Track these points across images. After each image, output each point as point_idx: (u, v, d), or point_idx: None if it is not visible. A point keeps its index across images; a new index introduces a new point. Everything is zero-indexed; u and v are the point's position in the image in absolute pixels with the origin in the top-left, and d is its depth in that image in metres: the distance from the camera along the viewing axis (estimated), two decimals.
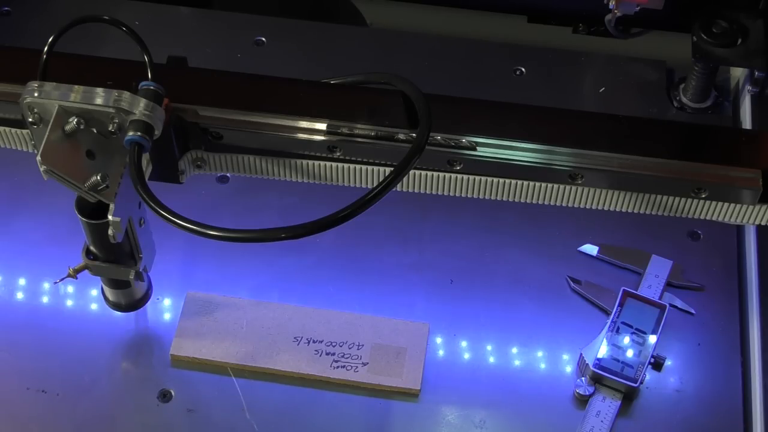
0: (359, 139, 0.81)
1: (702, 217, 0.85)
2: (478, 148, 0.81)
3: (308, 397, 0.92)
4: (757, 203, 0.83)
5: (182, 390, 0.92)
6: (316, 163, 0.84)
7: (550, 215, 1.01)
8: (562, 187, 0.83)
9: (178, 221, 0.72)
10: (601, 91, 1.13)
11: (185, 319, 0.95)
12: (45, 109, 0.75)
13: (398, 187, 0.81)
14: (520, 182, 0.83)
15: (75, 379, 0.92)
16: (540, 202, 0.85)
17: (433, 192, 0.85)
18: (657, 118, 1.09)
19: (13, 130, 0.85)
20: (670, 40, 1.17)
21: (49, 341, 0.95)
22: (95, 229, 0.81)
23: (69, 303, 0.97)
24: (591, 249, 1.01)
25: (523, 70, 1.14)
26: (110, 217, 0.77)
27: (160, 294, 0.97)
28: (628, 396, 0.92)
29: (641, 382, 0.91)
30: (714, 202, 0.83)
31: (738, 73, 1.14)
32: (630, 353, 0.92)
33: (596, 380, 0.92)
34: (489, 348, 0.96)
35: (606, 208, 0.85)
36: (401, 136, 0.81)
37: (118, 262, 0.86)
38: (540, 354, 0.95)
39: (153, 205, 0.73)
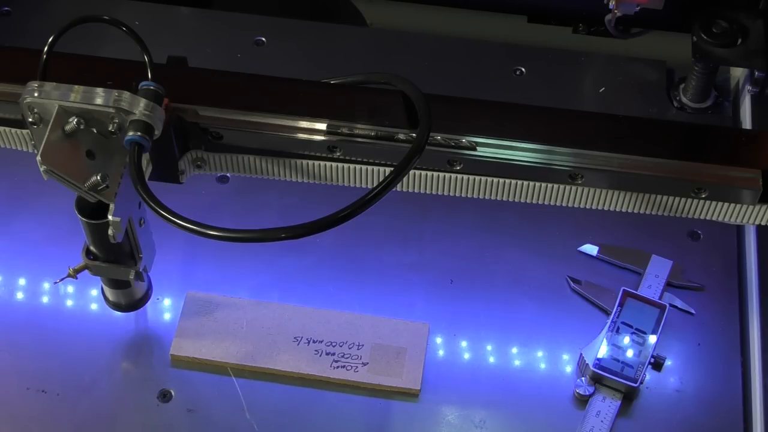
0: (359, 139, 0.81)
1: (702, 217, 0.85)
2: (478, 148, 0.81)
3: (308, 397, 0.92)
4: (757, 203, 0.83)
5: (182, 390, 0.92)
6: (316, 163, 0.84)
7: (550, 215, 1.01)
8: (562, 187, 0.83)
9: (178, 221, 0.72)
10: (601, 91, 1.13)
11: (185, 319, 0.95)
12: (45, 109, 0.75)
13: (398, 187, 0.81)
14: (520, 182, 0.83)
15: (75, 379, 0.92)
16: (540, 202, 0.85)
17: (433, 192, 0.85)
18: (657, 118, 1.09)
19: (13, 130, 0.85)
20: (670, 40, 1.17)
21: (49, 341, 0.95)
22: (95, 229, 0.81)
23: (69, 303, 0.97)
24: (591, 249, 1.01)
25: (523, 70, 1.14)
26: (110, 217, 0.77)
27: (160, 294, 0.97)
28: (628, 396, 0.92)
29: (641, 382, 0.91)
30: (714, 202, 0.83)
31: (738, 73, 1.14)
32: (630, 353, 0.92)
33: (596, 380, 0.92)
34: (489, 348, 0.96)
35: (606, 208, 0.85)
36: (401, 136, 0.81)
37: (118, 262, 0.86)
38: (540, 354, 0.95)
39: (153, 205, 0.73)
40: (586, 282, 0.99)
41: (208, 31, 1.17)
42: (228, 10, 1.20)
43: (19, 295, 0.97)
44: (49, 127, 0.74)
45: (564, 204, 0.85)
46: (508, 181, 0.83)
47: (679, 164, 0.82)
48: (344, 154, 0.82)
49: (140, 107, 0.75)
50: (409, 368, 0.93)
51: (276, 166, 0.85)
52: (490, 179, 0.83)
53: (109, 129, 0.75)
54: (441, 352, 0.95)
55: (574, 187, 0.83)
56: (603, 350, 0.92)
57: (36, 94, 0.75)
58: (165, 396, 0.92)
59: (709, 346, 0.96)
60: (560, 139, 0.81)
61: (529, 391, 0.93)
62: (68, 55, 0.82)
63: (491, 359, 0.95)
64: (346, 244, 1.00)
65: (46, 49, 0.76)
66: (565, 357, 0.95)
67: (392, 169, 0.76)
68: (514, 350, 0.96)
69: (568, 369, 0.94)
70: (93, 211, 0.80)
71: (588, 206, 0.85)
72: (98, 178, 0.75)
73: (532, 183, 0.83)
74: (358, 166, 0.84)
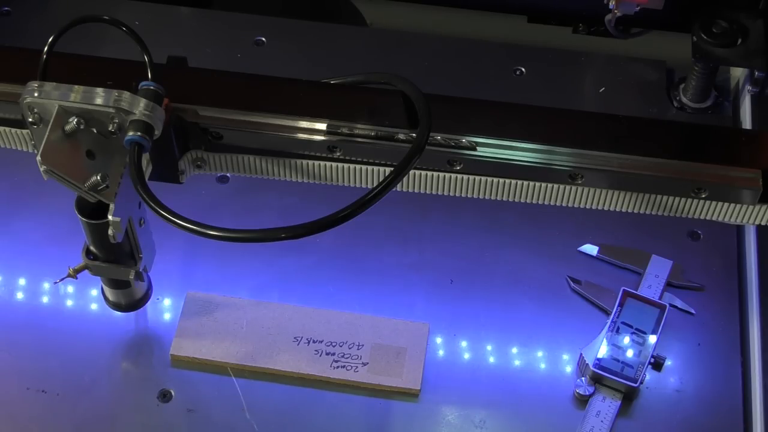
0: (359, 139, 0.81)
1: (702, 217, 0.85)
2: (478, 148, 0.81)
3: (308, 397, 0.92)
4: (757, 203, 0.83)
5: (182, 390, 0.92)
6: (316, 163, 0.84)
7: (550, 215, 1.01)
8: (562, 187, 0.83)
9: (178, 221, 0.72)
10: (601, 91, 1.13)
11: (185, 319, 0.95)
12: (45, 109, 0.75)
13: (398, 187, 0.81)
14: (520, 182, 0.83)
15: (75, 379, 0.92)
16: (540, 202, 0.85)
17: (433, 192, 0.85)
18: (657, 118, 1.09)
19: (13, 130, 0.85)
20: (670, 40, 1.17)
21: (49, 341, 0.95)
22: (95, 229, 0.81)
23: (69, 303, 0.97)
24: (591, 249, 1.01)
25: (523, 70, 1.14)
26: (110, 217, 0.77)
27: (160, 294, 0.97)
28: (628, 396, 0.92)
29: (641, 382, 0.91)
30: (714, 202, 0.83)
31: (738, 73, 1.14)
32: (630, 353, 0.92)
33: (596, 380, 0.92)
34: (489, 348, 0.96)
35: (606, 208, 0.85)
36: (401, 136, 0.81)
37: (118, 262, 0.86)
38: (540, 354, 0.95)
39: (153, 205, 0.73)
40: (586, 282, 0.99)
41: (208, 31, 1.17)
42: (228, 10, 1.20)
43: (19, 295, 0.97)
44: (49, 127, 0.74)
45: (564, 204, 0.85)
46: (508, 181, 0.83)
47: (679, 164, 0.82)
48: (344, 154, 0.82)
49: (140, 107, 0.75)
50: (409, 368, 0.93)
51: (276, 166, 0.85)
52: (490, 179, 0.83)
53: (109, 129, 0.75)
54: (441, 352, 0.95)
55: (574, 187, 0.83)
56: (603, 350, 0.92)
57: (36, 94, 0.75)
58: (165, 396, 0.92)
59: (709, 346, 0.96)
60: (560, 139, 0.81)
61: (529, 391, 0.93)
62: (68, 55, 0.82)
63: (491, 359, 0.95)
64: (346, 244, 1.00)
65: (46, 49, 0.76)
66: (565, 357, 0.95)
67: (392, 169, 0.76)
68: (514, 350, 0.96)
69: (568, 369, 0.94)
70: (93, 211, 0.80)
71: (588, 206, 0.85)
72: (98, 178, 0.75)
73: (532, 183, 0.83)
74: (358, 166, 0.83)
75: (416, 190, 0.85)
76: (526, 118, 0.84)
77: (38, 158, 0.73)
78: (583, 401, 0.92)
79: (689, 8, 1.07)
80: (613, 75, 1.14)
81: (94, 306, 0.97)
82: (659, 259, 0.99)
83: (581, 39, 1.19)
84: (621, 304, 0.95)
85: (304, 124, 0.81)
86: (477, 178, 0.83)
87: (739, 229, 1.03)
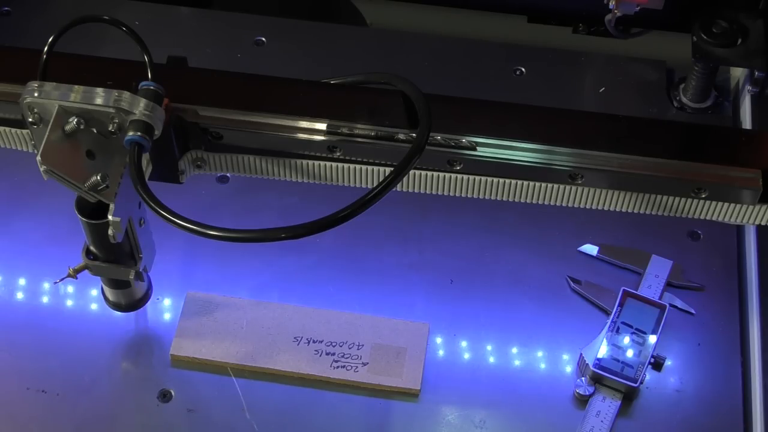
0: (359, 139, 0.81)
1: (702, 217, 0.85)
2: (478, 148, 0.81)
3: (308, 397, 0.92)
4: (757, 203, 0.83)
5: (182, 390, 0.92)
6: (316, 163, 0.84)
7: (550, 215, 1.01)
8: (562, 187, 0.83)
9: (178, 221, 0.72)
10: (601, 91, 1.13)
11: (185, 319, 0.95)
12: (45, 109, 0.75)
13: (398, 187, 0.81)
14: (520, 182, 0.83)
15: (75, 379, 0.92)
16: (540, 202, 0.85)
17: (433, 192, 0.85)
18: (657, 118, 1.09)
19: (13, 130, 0.85)
20: (670, 40, 1.17)
21: (49, 341, 0.95)
22: (95, 229, 0.81)
23: (69, 303, 0.97)
24: (591, 249, 1.01)
25: (523, 70, 1.14)
26: (110, 217, 0.77)
27: (160, 294, 0.97)
28: (628, 396, 0.92)
29: (641, 382, 0.91)
30: (714, 202, 0.83)
31: (738, 73, 1.14)
32: (630, 353, 0.92)
33: (596, 380, 0.92)
34: (489, 348, 0.96)
35: (606, 208, 0.85)
36: (401, 136, 0.81)
37: (118, 262, 0.86)
38: (540, 354, 0.95)
39: (153, 205, 0.73)
40: (586, 282, 0.99)
41: (208, 31, 1.17)
42: (228, 10, 1.20)
43: (19, 295, 0.97)
44: (49, 127, 0.74)
45: (564, 204, 0.85)
46: (508, 181, 0.83)
47: (679, 164, 0.82)
48: (344, 154, 0.82)
49: (140, 107, 0.75)
50: (409, 368, 0.93)
51: (276, 166, 0.85)
52: (490, 179, 0.83)
53: (109, 129, 0.75)
54: (441, 352, 0.95)
55: (574, 187, 0.83)
56: (603, 350, 0.92)
57: (36, 94, 0.75)
58: (165, 396, 0.92)
59: (709, 346, 0.96)
60: (560, 139, 0.81)
61: (529, 391, 0.93)
62: (68, 55, 0.82)
63: (491, 359, 0.95)
64: (346, 244, 1.00)
65: (46, 49, 0.76)
66: (565, 357, 0.95)
67: (392, 169, 0.76)
68: (514, 350, 0.96)
69: (568, 369, 0.94)
70: (93, 211, 0.80)
71: (588, 206, 0.85)
72: (98, 178, 0.75)
73: (532, 183, 0.83)
74: (358, 166, 0.83)
75: (416, 190, 0.85)
76: (526, 118, 0.84)
77: (38, 158, 0.73)
78: (583, 401, 0.92)
79: (689, 8, 1.07)
80: (613, 75, 1.14)
81: (94, 306, 0.97)
82: (659, 259, 0.99)
83: (581, 39, 1.19)
84: (621, 304, 0.95)
85: (304, 124, 0.81)
86: (477, 178, 0.83)
87: (739, 229, 1.03)
